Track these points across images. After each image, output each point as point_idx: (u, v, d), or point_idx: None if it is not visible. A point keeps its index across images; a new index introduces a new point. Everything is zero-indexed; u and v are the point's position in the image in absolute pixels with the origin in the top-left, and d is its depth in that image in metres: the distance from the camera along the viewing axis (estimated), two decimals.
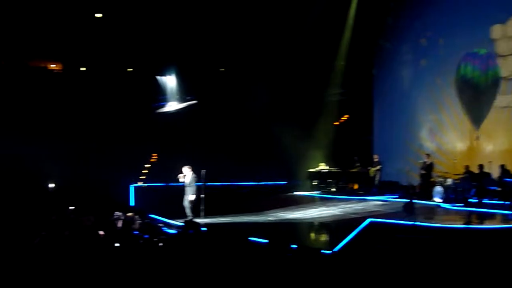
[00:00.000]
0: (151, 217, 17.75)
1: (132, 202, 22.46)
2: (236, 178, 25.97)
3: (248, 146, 25.41)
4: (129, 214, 14.59)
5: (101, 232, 10.74)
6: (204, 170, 17.56)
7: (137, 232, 12.71)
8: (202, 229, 10.56)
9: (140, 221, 14.34)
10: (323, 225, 17.28)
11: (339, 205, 20.75)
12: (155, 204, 20.27)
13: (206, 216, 17.25)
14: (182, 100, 26.74)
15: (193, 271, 7.02)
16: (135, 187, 24.14)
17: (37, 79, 24.82)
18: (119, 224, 13.27)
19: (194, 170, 17.69)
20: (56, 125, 23.64)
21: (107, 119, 24.56)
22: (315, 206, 20.81)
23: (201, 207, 17.51)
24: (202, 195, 17.43)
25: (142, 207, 19.53)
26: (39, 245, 8.63)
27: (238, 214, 18.84)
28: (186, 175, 17.54)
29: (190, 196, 17.48)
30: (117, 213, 14.58)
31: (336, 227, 16.66)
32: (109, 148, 24.00)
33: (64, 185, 22.81)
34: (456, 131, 22.69)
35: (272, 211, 19.68)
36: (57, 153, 22.65)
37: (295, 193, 24.96)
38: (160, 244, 8.97)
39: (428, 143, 23.75)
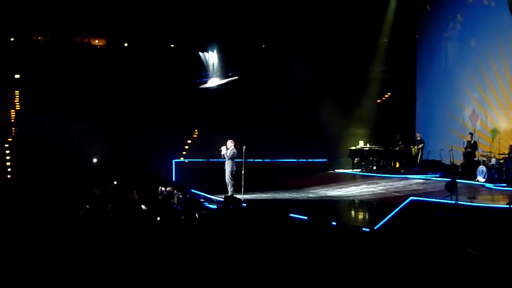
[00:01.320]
0: (192, 192, 17.92)
1: (173, 177, 22.68)
2: (278, 154, 25.98)
3: (289, 123, 25.35)
4: (169, 188, 14.76)
5: (143, 207, 10.86)
6: (245, 146, 17.58)
7: (177, 207, 12.83)
8: (242, 204, 10.61)
9: (180, 196, 14.49)
10: (364, 203, 17.23)
11: (380, 183, 20.64)
12: (196, 179, 20.44)
13: (246, 192, 17.31)
14: (224, 76, 26.76)
15: (233, 246, 7.06)
16: (176, 162, 24.33)
17: (80, 54, 25.10)
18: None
19: (235, 146, 17.73)
20: (100, 100, 23.93)
21: (150, 95, 24.75)
22: (356, 184, 20.75)
23: (241, 183, 17.59)
24: (243, 171, 17.47)
25: (183, 182, 19.72)
26: (82, 218, 8.77)
27: (279, 190, 18.90)
28: (228, 148, 17.55)
29: (228, 169, 17.52)
30: (162, 188, 14.80)
31: (377, 205, 16.60)
32: (151, 123, 24.22)
33: (108, 160, 23.16)
34: (501, 109, 22.17)
35: (312, 188, 19.70)
36: (100, 128, 22.96)
37: (336, 170, 24.89)
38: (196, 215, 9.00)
39: (472, 122, 23.29)
